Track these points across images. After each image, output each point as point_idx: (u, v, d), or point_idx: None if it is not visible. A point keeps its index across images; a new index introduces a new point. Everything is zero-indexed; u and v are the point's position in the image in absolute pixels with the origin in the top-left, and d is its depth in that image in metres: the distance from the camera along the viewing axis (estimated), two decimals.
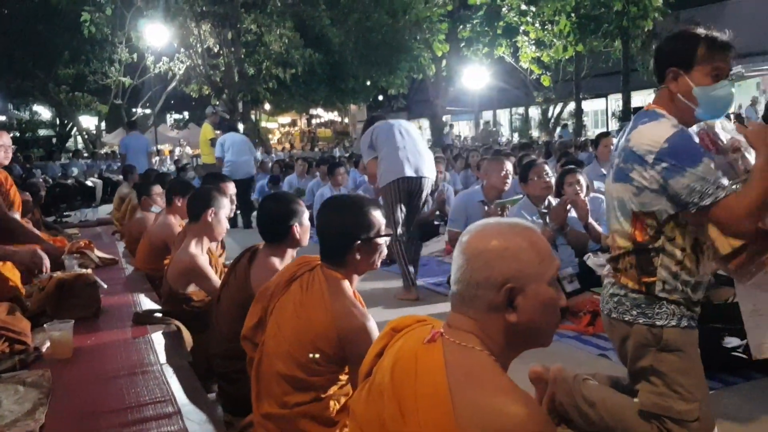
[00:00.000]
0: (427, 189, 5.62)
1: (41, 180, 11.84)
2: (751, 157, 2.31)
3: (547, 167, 4.89)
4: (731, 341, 3.30)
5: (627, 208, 2.33)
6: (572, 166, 5.67)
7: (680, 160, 2.16)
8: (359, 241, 2.17)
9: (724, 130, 2.44)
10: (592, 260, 4.79)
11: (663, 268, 2.29)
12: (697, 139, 2.31)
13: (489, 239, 1.42)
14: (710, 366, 3.13)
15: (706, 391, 2.32)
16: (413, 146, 5.52)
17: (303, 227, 2.81)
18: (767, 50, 22.57)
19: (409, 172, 5.33)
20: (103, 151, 23.76)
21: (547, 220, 4.71)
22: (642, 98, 27.02)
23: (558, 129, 25.41)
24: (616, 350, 2.55)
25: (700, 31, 2.31)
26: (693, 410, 2.25)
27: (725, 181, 2.16)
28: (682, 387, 2.27)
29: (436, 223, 7.85)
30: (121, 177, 11.97)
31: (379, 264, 2.32)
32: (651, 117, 2.32)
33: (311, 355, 2.07)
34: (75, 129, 28.83)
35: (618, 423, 2.48)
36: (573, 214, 4.79)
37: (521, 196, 5.18)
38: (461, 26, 23.99)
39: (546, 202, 4.85)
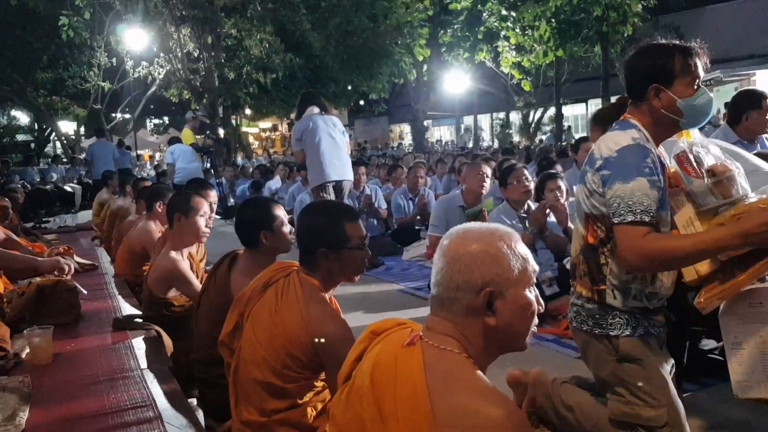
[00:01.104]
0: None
1: (19, 185, 11.72)
2: (736, 184, 2.27)
3: (526, 172, 4.93)
4: (708, 343, 3.35)
5: (581, 209, 2.35)
6: (553, 172, 5.73)
7: (615, 172, 2.15)
8: (324, 248, 2.18)
9: (711, 153, 2.39)
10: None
11: (612, 276, 2.29)
12: (654, 157, 2.21)
13: (470, 243, 1.44)
14: (687, 368, 3.20)
15: (671, 394, 2.30)
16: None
17: (275, 234, 2.77)
18: (744, 55, 22.91)
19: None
20: (82, 157, 23.53)
21: (527, 224, 4.75)
22: None
23: (539, 135, 25.57)
24: (582, 357, 2.56)
25: (671, 42, 2.30)
26: (661, 416, 2.26)
27: (645, 208, 2.08)
28: (646, 394, 2.28)
29: (417, 227, 7.88)
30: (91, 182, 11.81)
31: (357, 278, 2.33)
32: (621, 126, 2.31)
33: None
34: (54, 134, 28.56)
35: (594, 428, 2.50)
36: (552, 218, 4.84)
37: (491, 197, 5.23)
38: (442, 31, 24.11)
39: (525, 206, 4.89)
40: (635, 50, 2.37)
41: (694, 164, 2.35)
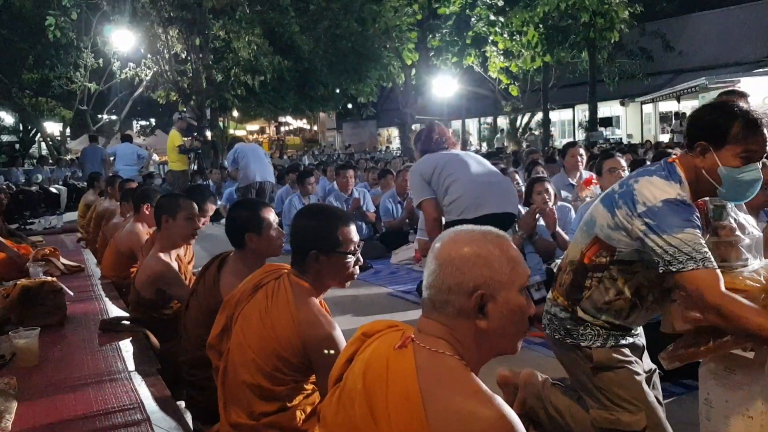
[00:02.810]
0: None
1: (4, 186, 11.63)
2: (738, 251, 2.26)
3: (516, 176, 4.94)
4: None
5: (593, 230, 2.31)
6: (540, 176, 5.76)
7: (663, 223, 2.09)
8: (316, 251, 2.17)
9: (739, 218, 2.35)
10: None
11: (589, 300, 2.30)
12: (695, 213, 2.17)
13: (461, 246, 1.44)
14: (673, 372, 3.21)
15: (648, 398, 2.31)
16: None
17: (261, 237, 2.75)
18: (730, 62, 23.16)
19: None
20: (68, 158, 23.37)
21: (516, 228, 4.76)
22: (608, 109, 27.52)
23: (524, 138, 25.68)
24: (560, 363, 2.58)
25: (741, 106, 2.16)
26: (640, 420, 2.28)
27: (704, 255, 2.05)
28: (623, 400, 2.30)
29: (405, 231, 7.88)
30: (85, 184, 11.84)
31: (347, 284, 2.32)
32: (669, 175, 2.21)
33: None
34: (39, 135, 28.34)
35: (582, 430, 2.52)
36: (541, 222, 4.86)
37: None
38: (431, 35, 24.19)
39: None
40: (714, 101, 2.29)
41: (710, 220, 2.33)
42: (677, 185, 2.18)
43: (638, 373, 2.34)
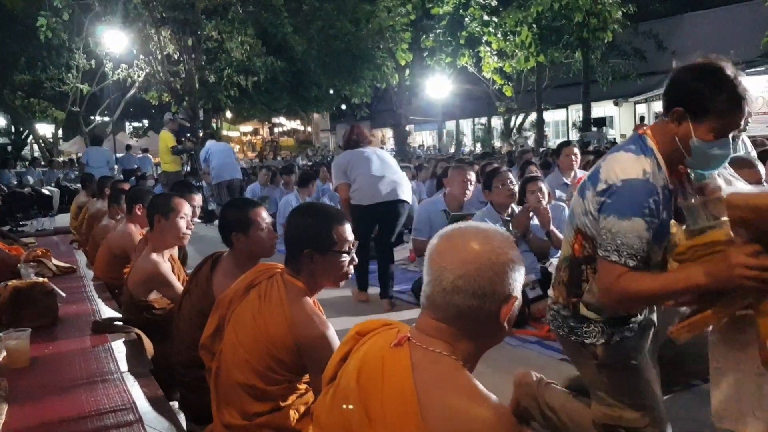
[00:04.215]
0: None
1: None
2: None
3: (510, 175, 4.94)
4: None
5: (575, 222, 2.29)
6: (534, 175, 5.76)
7: (615, 205, 2.06)
8: (310, 250, 2.15)
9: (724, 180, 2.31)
10: (553, 265, 4.86)
11: (589, 294, 2.27)
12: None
13: (504, 250, 1.42)
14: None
15: (652, 395, 2.30)
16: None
17: (248, 237, 2.73)
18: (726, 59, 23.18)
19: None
20: (60, 159, 23.31)
21: (511, 227, 4.76)
22: (602, 109, 27.57)
23: (523, 139, 25.73)
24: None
25: (729, 75, 2.02)
26: (641, 417, 2.27)
27: (631, 253, 2.02)
28: (627, 397, 2.29)
29: (400, 231, 7.85)
30: (78, 185, 11.82)
31: (341, 283, 2.30)
32: (639, 149, 2.15)
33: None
34: (31, 137, 28.23)
35: (578, 429, 2.51)
36: (535, 221, 4.85)
37: (474, 213, 5.23)
38: (424, 36, 24.17)
39: (509, 210, 4.89)
40: (699, 63, 2.11)
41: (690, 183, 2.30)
42: (647, 159, 2.10)
43: (644, 368, 2.31)
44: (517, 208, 4.90)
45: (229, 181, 9.90)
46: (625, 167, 2.10)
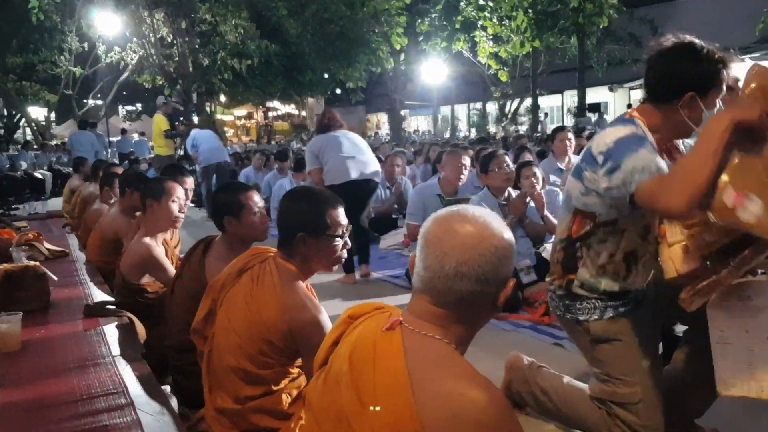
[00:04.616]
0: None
1: None
2: None
3: (507, 158, 4.91)
4: (682, 329, 3.35)
5: (571, 204, 2.33)
6: (528, 160, 5.75)
7: (617, 157, 2.09)
8: (303, 234, 2.14)
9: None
10: (547, 251, 4.86)
11: (584, 269, 2.31)
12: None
13: (499, 236, 1.41)
14: (663, 354, 3.23)
15: (646, 371, 2.32)
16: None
17: (240, 221, 2.72)
18: (718, 48, 23.17)
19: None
20: (53, 143, 23.16)
21: (507, 211, 4.74)
22: (597, 94, 27.53)
23: (513, 126, 25.66)
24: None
25: (712, 49, 2.17)
26: (635, 393, 2.31)
27: (658, 167, 2.03)
28: (621, 372, 2.33)
29: (394, 216, 7.85)
30: (71, 169, 11.78)
31: (334, 267, 2.30)
32: (621, 122, 2.24)
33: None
34: (24, 120, 28.05)
35: (570, 410, 2.54)
36: (532, 205, 4.84)
37: (469, 197, 5.22)
38: (419, 20, 24.08)
39: (506, 194, 4.86)
40: (672, 47, 2.20)
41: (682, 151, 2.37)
42: (630, 125, 2.17)
43: (637, 345, 2.33)
44: (514, 193, 4.88)
45: (217, 164, 10.05)
46: (613, 134, 2.16)
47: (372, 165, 5.85)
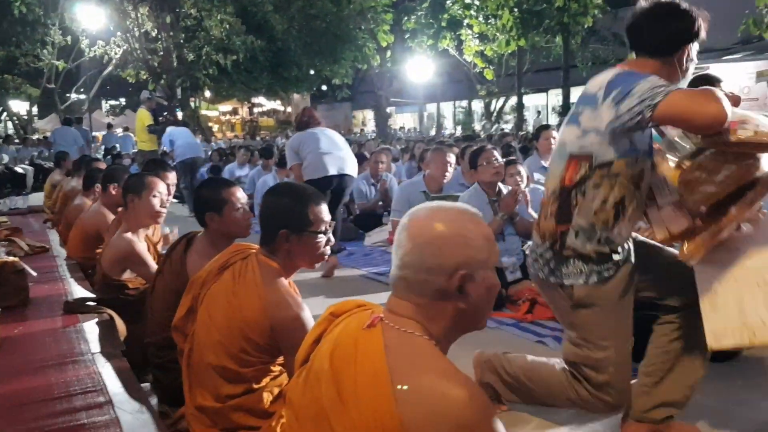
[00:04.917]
0: None
1: None
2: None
3: (496, 153, 4.87)
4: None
5: (566, 151, 2.35)
6: (512, 158, 5.75)
7: (628, 83, 2.17)
8: (286, 230, 2.12)
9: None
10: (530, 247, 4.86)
11: (579, 216, 2.31)
12: None
13: (441, 224, 1.40)
14: (641, 351, 3.25)
15: (620, 336, 2.39)
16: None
17: (222, 217, 2.70)
18: (701, 49, 23.28)
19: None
20: (34, 137, 22.92)
21: (498, 208, 4.71)
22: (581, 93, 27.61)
23: (495, 125, 25.71)
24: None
25: (689, 7, 2.35)
26: (607, 357, 2.36)
27: (664, 85, 2.14)
28: (595, 337, 2.38)
29: (379, 213, 7.84)
30: (53, 164, 11.67)
31: (317, 264, 2.28)
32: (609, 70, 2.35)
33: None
34: (5, 114, 27.73)
35: (541, 387, 2.57)
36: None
37: (459, 195, 5.21)
38: (406, 17, 24.04)
39: (497, 189, 4.83)
40: (662, 6, 2.37)
41: None
42: (618, 68, 2.31)
43: (615, 311, 2.38)
44: (505, 189, 4.84)
45: (192, 159, 10.38)
46: (606, 74, 2.29)
47: (349, 160, 6.09)
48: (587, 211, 2.30)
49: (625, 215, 2.32)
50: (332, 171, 5.88)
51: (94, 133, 22.53)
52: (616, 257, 2.35)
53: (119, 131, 21.47)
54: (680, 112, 2.09)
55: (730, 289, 2.25)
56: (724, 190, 2.18)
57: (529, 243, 4.70)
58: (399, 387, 1.29)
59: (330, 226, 2.23)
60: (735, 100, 2.28)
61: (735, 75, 18.17)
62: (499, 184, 4.82)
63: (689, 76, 2.43)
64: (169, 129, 10.74)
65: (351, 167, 6.09)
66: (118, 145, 18.04)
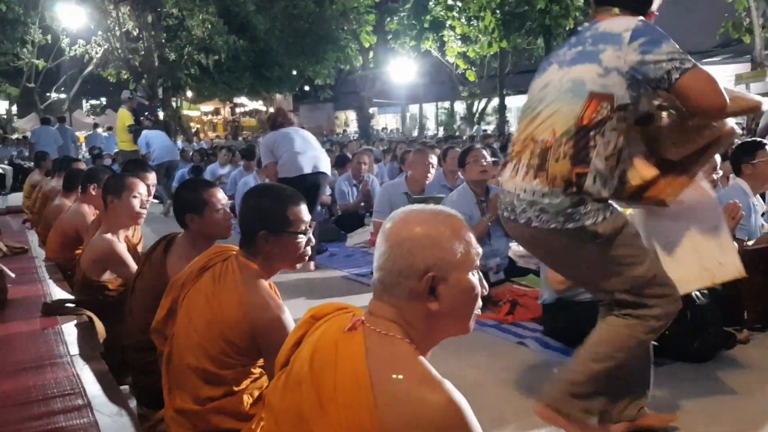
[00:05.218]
0: None
1: None
2: None
3: (484, 152, 4.88)
4: None
5: (584, 89, 2.30)
6: (496, 159, 5.78)
7: (655, 35, 2.23)
8: (265, 231, 2.11)
9: None
10: (513, 249, 4.88)
11: (598, 158, 2.28)
12: None
13: (412, 226, 1.39)
14: None
15: (644, 246, 2.45)
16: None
17: (203, 218, 2.68)
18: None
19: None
20: (14, 137, 22.66)
21: (486, 209, 4.71)
22: None
23: (476, 126, 25.79)
24: (542, 260, 2.77)
25: None
26: (649, 267, 2.39)
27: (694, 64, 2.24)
28: (630, 256, 2.39)
29: (361, 213, 7.84)
30: (32, 164, 11.57)
31: (299, 265, 2.27)
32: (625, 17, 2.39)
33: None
34: None
35: (610, 350, 2.46)
36: None
37: (443, 196, 5.21)
38: (389, 18, 24.08)
39: (484, 189, 4.83)
40: None
41: None
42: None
43: (633, 226, 2.45)
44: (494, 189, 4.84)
45: (169, 162, 10.61)
46: (628, 20, 2.34)
47: (324, 159, 6.25)
48: (604, 154, 2.29)
49: (622, 162, 2.36)
50: (307, 169, 5.99)
51: (75, 133, 22.33)
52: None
53: (101, 130, 21.31)
54: (701, 90, 2.21)
55: (686, 238, 2.48)
56: (699, 144, 2.41)
57: (510, 245, 4.73)
58: (394, 376, 1.30)
59: (310, 226, 2.23)
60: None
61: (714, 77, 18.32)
62: (488, 184, 4.82)
63: None
64: (145, 132, 10.92)
65: (325, 165, 6.24)
66: (102, 146, 17.91)
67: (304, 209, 2.20)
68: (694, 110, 2.31)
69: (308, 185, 5.87)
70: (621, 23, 2.31)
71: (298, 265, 2.28)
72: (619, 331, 2.45)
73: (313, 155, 6.11)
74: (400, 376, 1.30)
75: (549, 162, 2.33)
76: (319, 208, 7.85)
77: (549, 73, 2.47)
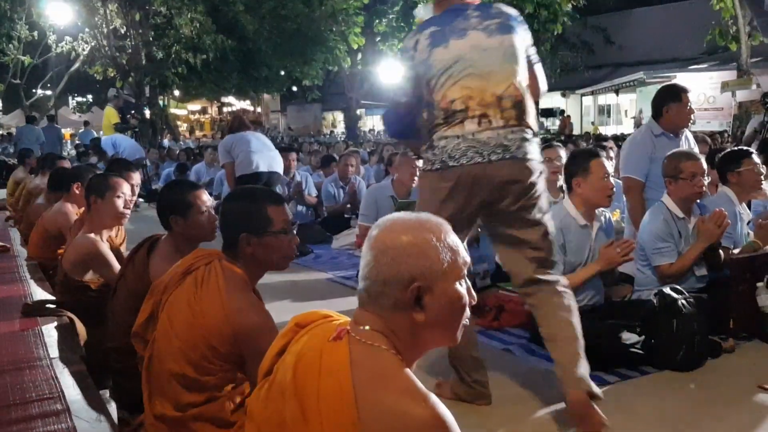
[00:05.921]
0: None
1: None
2: None
3: None
4: (629, 337, 3.41)
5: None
6: None
7: None
8: (246, 233, 2.09)
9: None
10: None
11: None
12: None
13: (398, 235, 1.37)
14: (609, 361, 3.29)
15: None
16: None
17: (187, 221, 2.65)
18: (668, 58, 23.76)
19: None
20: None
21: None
22: (550, 100, 27.95)
23: None
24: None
25: None
26: None
27: None
28: None
29: (347, 216, 7.82)
30: (15, 161, 11.50)
31: (285, 265, 2.23)
32: None
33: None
34: None
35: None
36: None
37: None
38: (377, 20, 24.02)
39: None
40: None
41: None
42: None
43: None
44: None
45: (137, 160, 10.66)
46: None
47: (277, 159, 6.76)
48: None
49: None
50: (262, 168, 6.45)
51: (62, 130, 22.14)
52: None
53: (86, 127, 21.17)
54: None
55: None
56: None
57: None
58: (379, 389, 1.29)
59: (293, 225, 2.20)
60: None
61: (700, 85, 18.50)
62: None
63: None
64: (114, 136, 11.17)
65: (279, 166, 6.77)
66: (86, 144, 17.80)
67: (284, 209, 2.17)
68: None
69: (263, 183, 6.21)
70: None
71: (284, 265, 2.23)
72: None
73: (268, 155, 6.59)
74: (385, 389, 1.28)
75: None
76: (304, 209, 7.84)
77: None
